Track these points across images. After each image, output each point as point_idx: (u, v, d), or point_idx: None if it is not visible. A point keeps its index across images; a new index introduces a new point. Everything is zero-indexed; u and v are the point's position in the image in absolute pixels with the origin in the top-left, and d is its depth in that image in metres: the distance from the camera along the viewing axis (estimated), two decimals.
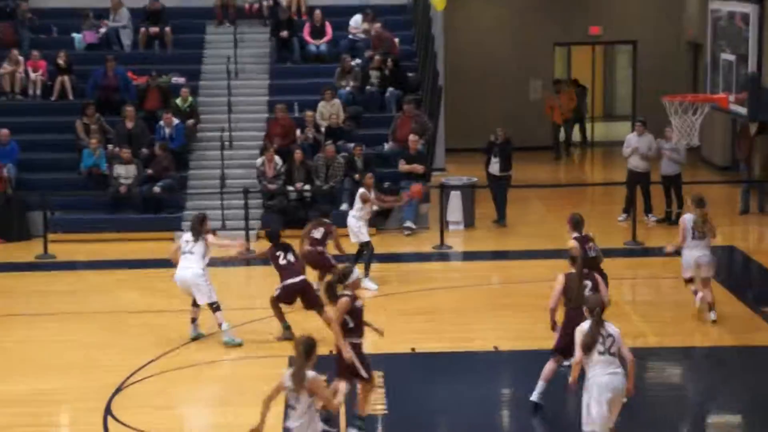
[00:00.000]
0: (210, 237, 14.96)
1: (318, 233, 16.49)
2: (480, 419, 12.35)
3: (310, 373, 9.59)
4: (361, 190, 17.72)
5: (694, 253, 15.19)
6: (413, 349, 14.60)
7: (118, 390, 13.22)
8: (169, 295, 17.38)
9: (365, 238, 17.51)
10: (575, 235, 13.87)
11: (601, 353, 10.45)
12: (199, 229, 14.84)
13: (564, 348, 11.82)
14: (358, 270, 11.78)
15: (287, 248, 15.04)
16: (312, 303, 14.79)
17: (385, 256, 19.11)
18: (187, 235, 14.96)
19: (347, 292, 11.41)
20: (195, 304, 14.99)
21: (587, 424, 10.51)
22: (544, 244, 19.34)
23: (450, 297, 16.87)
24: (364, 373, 11.42)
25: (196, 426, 12.57)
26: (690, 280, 15.56)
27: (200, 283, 14.70)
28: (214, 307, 14.79)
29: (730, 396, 12.95)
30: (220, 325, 14.80)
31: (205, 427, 12.43)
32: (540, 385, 12.21)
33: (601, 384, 10.42)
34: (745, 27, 16.89)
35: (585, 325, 10.56)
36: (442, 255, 19.90)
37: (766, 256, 19.17)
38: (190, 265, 14.73)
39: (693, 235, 15.24)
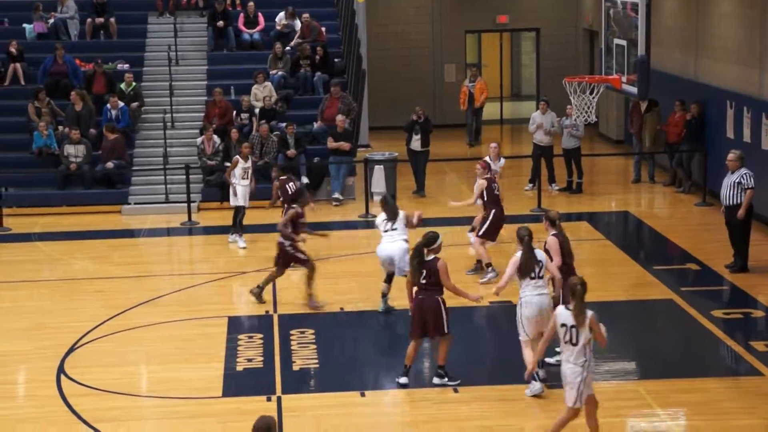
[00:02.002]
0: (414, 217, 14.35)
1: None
2: (397, 369, 12.37)
3: (589, 311, 9.66)
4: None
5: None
6: (342, 309, 14.58)
7: (70, 350, 13.03)
8: (117, 263, 17.22)
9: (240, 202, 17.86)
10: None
11: (532, 278, 11.32)
12: (396, 211, 14.19)
13: None
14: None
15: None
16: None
17: (315, 225, 18.95)
18: (382, 216, 14.21)
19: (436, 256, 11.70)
20: (388, 280, 14.19)
21: (521, 334, 11.39)
22: (459, 211, 19.38)
23: (375, 261, 16.83)
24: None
25: (143, 381, 12.43)
26: None
27: (406, 256, 13.62)
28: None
29: (622, 344, 13.08)
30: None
31: (152, 382, 12.30)
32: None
33: (532, 303, 11.29)
34: (635, 15, 17.01)
35: (519, 254, 11.38)
36: (367, 223, 19.88)
37: (656, 220, 19.42)
38: (397, 239, 13.99)
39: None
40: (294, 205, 14.90)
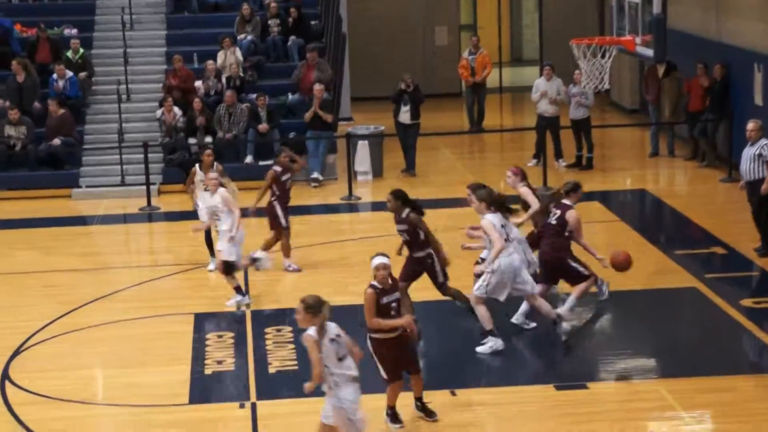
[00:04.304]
0: None
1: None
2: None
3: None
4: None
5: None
6: None
7: (15, 353, 12.98)
8: (68, 254, 17.16)
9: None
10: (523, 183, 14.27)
11: (506, 240, 12.42)
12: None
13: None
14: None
15: None
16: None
17: (292, 209, 18.97)
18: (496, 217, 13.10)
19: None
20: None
21: (480, 288, 12.43)
22: (455, 192, 19.35)
23: (359, 249, 16.82)
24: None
25: (99, 387, 12.40)
26: None
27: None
28: None
29: (640, 339, 13.12)
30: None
31: (109, 388, 12.27)
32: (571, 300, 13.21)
33: (505, 263, 12.35)
34: None
35: (494, 219, 12.45)
36: (350, 206, 19.85)
37: (676, 198, 19.45)
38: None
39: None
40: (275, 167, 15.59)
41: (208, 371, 12.38)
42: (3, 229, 18.66)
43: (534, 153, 21.94)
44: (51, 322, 13.97)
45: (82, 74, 22.27)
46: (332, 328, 9.50)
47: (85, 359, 12.97)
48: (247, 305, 14.35)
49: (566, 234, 13.26)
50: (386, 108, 22.38)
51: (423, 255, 12.93)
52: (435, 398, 11.37)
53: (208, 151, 15.96)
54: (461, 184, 20.23)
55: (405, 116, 21.55)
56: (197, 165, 15.80)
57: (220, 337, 13.45)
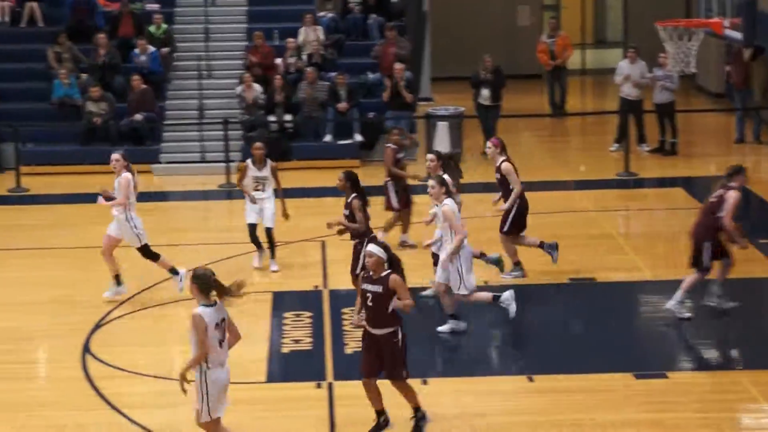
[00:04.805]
0: None
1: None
2: (463, 354, 12.38)
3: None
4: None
5: None
6: None
7: (96, 327, 13.17)
8: (147, 229, 17.28)
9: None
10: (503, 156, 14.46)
11: None
12: None
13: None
14: None
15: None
16: None
17: (370, 189, 18.96)
18: None
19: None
20: None
21: (462, 288, 12.37)
22: (534, 175, 19.25)
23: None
24: None
25: (176, 363, 12.52)
26: None
27: None
28: None
29: (725, 329, 12.97)
30: None
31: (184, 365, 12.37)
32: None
33: (466, 252, 12.59)
34: None
35: (453, 205, 12.55)
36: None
37: (763, 185, 19.15)
38: None
39: None
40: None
41: (285, 350, 12.46)
42: (84, 204, 18.88)
43: (616, 137, 21.74)
44: (130, 298, 14.15)
45: (165, 50, 22.45)
46: (222, 311, 9.33)
47: (162, 335, 13.12)
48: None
49: (718, 215, 12.84)
50: (467, 88, 22.31)
51: (356, 243, 12.88)
52: (510, 384, 11.34)
53: (258, 144, 15.14)
54: (543, 168, 20.30)
55: (485, 98, 21.47)
56: (249, 160, 15.13)
57: (297, 316, 13.53)
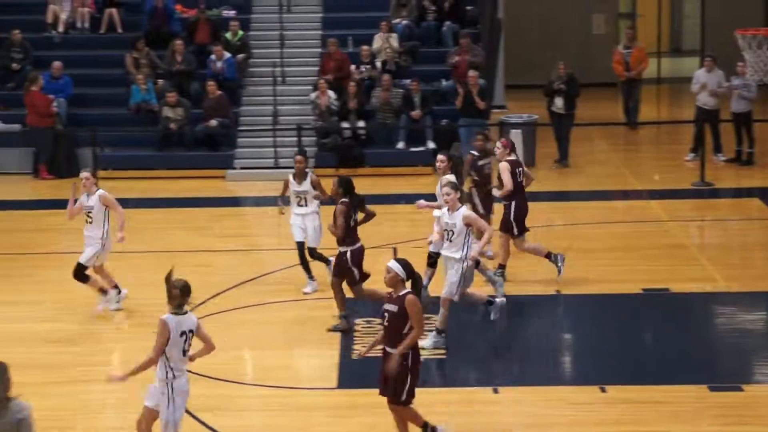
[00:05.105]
0: None
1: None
2: (535, 363, 12.32)
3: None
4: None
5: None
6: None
7: None
8: (220, 234, 17.47)
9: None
10: (509, 158, 14.39)
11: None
12: None
13: None
14: None
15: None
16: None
17: (432, 197, 18.99)
18: None
19: None
20: None
21: (458, 293, 12.18)
22: (608, 184, 19.16)
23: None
24: None
25: (248, 368, 12.61)
26: None
27: None
28: None
29: None
30: None
31: (258, 369, 12.47)
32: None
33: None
34: None
35: (465, 208, 12.15)
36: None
37: None
38: None
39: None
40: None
41: (356, 356, 12.47)
42: (160, 208, 19.13)
43: (692, 146, 21.53)
44: (203, 302, 14.22)
45: (240, 56, 22.63)
46: (189, 321, 9.29)
47: (234, 339, 13.18)
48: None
49: None
50: (540, 96, 22.21)
51: (342, 250, 12.88)
52: (582, 394, 11.26)
53: (299, 158, 14.29)
54: (616, 176, 20.15)
55: (559, 106, 21.38)
56: (291, 175, 14.43)
57: (368, 322, 13.54)
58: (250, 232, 18.07)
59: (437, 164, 13.97)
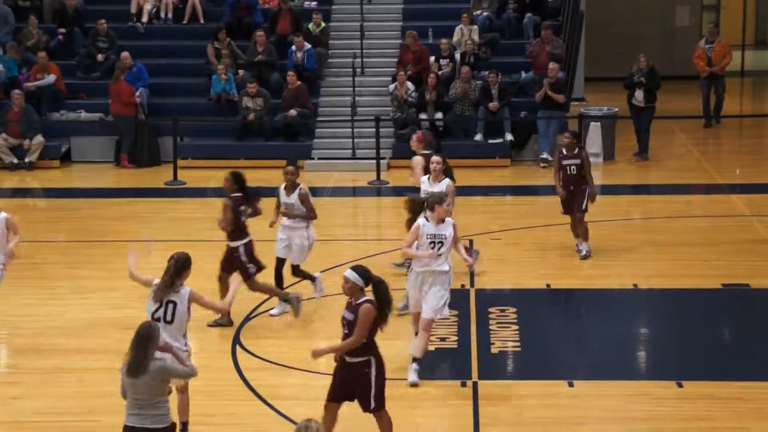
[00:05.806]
0: None
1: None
2: (611, 357, 12.21)
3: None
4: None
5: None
6: (548, 285, 14.47)
7: (246, 319, 13.40)
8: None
9: None
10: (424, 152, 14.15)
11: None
12: None
13: None
14: None
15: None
16: None
17: (520, 189, 18.94)
18: None
19: None
20: None
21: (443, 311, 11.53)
22: (688, 178, 18.93)
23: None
24: None
25: (323, 358, 12.63)
26: None
27: None
28: None
29: None
30: None
31: (333, 359, 12.49)
32: None
33: None
34: None
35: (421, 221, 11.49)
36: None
37: None
38: None
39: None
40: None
41: (431, 347, 12.45)
42: None
43: None
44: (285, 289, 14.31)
45: (320, 49, 22.70)
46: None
47: (310, 329, 13.26)
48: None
49: None
50: (621, 89, 22.00)
51: (233, 246, 12.91)
52: (659, 389, 11.15)
53: (289, 169, 13.60)
54: (696, 170, 19.88)
55: (639, 98, 21.17)
56: (282, 186, 13.69)
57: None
58: (326, 222, 18.07)
59: (432, 165, 13.44)
